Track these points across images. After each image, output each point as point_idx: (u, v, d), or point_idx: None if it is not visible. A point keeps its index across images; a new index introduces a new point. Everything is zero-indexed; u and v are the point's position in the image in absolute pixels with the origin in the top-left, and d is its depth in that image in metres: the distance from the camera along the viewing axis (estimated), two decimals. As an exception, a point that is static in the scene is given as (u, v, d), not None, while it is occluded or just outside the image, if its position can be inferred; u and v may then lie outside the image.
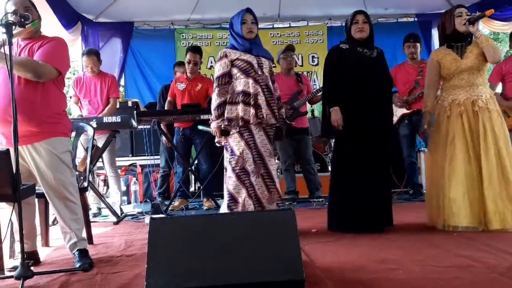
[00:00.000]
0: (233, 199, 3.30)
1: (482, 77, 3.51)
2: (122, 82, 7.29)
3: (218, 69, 3.41)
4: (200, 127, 4.76)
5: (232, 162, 3.32)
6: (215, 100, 3.39)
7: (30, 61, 2.70)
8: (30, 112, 2.71)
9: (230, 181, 3.33)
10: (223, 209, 3.43)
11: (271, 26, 7.66)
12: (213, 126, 3.39)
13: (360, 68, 3.51)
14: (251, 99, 3.30)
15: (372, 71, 3.53)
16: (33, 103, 2.72)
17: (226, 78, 3.39)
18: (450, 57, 3.52)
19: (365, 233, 3.37)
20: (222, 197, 3.92)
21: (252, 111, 3.28)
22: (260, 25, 7.07)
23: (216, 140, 3.46)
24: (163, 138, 5.25)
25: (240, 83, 3.34)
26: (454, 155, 3.41)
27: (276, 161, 5.95)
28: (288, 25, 7.68)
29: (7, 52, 2.38)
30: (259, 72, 3.36)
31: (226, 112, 3.32)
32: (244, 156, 3.29)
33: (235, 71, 3.38)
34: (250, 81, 3.33)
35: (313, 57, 7.62)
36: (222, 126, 3.33)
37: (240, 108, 3.30)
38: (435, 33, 7.23)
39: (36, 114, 2.73)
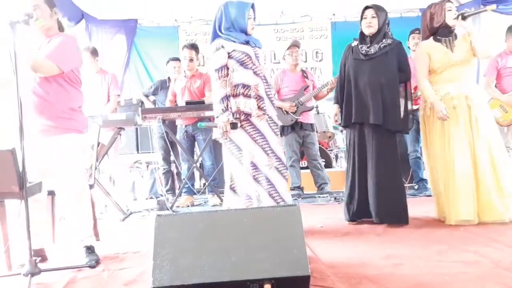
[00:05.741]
0: (247, 194, 3.23)
1: (471, 70, 3.58)
2: (126, 79, 7.31)
3: (216, 61, 3.25)
4: (201, 125, 4.79)
5: (241, 158, 3.23)
6: (217, 94, 3.24)
7: (29, 55, 2.72)
8: (42, 107, 2.79)
9: (241, 176, 3.24)
10: (241, 204, 3.25)
11: (275, 22, 7.64)
12: (221, 120, 3.21)
13: (354, 66, 3.59)
14: (251, 91, 3.21)
15: (366, 68, 3.55)
16: (45, 99, 2.79)
17: (225, 70, 3.24)
18: (440, 50, 3.53)
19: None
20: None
21: (253, 103, 3.21)
22: (264, 21, 7.20)
23: (214, 136, 3.39)
24: (155, 135, 5.36)
25: (238, 75, 3.22)
26: (451, 149, 3.44)
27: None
28: (291, 21, 7.66)
29: (13, 50, 2.40)
30: (257, 63, 3.27)
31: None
32: (251, 150, 3.22)
33: (232, 63, 3.23)
34: (250, 72, 3.23)
35: (317, 52, 7.60)
36: (231, 119, 3.21)
37: (240, 101, 3.21)
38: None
39: (47, 109, 2.80)
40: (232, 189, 3.31)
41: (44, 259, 2.98)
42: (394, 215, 3.50)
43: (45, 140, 2.81)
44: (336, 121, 3.79)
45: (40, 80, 2.79)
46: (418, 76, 3.67)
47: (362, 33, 3.64)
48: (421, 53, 3.64)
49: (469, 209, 3.35)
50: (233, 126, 3.22)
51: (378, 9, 3.57)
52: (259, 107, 3.24)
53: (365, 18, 3.59)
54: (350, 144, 3.70)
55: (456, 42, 3.51)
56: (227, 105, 3.21)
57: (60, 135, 2.82)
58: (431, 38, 3.60)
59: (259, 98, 3.24)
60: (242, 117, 3.22)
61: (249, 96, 3.21)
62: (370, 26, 3.55)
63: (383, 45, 3.56)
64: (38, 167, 2.86)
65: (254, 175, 3.21)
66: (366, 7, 3.59)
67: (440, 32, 3.54)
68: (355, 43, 3.68)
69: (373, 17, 3.55)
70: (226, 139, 3.27)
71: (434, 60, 3.55)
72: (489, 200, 3.35)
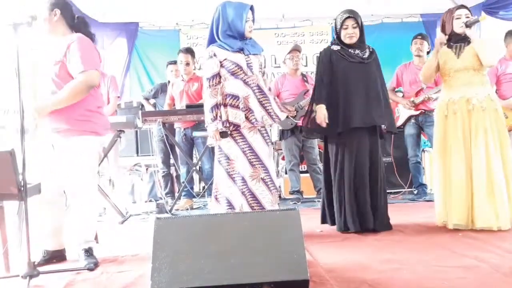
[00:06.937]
0: (230, 205, 3.19)
1: (480, 76, 3.50)
2: (127, 82, 7.32)
3: (208, 69, 3.21)
4: (196, 134, 4.82)
5: (228, 167, 3.20)
6: (208, 103, 3.21)
7: (72, 95, 2.76)
8: (61, 109, 2.78)
9: (226, 186, 3.21)
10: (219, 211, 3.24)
11: (276, 26, 7.66)
12: (211, 130, 3.20)
13: (352, 69, 3.51)
14: (240, 103, 3.15)
15: (364, 71, 3.53)
16: None
17: (217, 79, 3.19)
18: (447, 56, 3.55)
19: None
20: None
21: (242, 114, 3.15)
22: (265, 25, 7.22)
23: (208, 142, 3.34)
24: (155, 138, 5.37)
25: (228, 85, 3.18)
26: (449, 154, 3.46)
27: (281, 161, 5.98)
28: (292, 25, 7.68)
29: (15, 52, 2.42)
30: (249, 73, 3.20)
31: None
32: (239, 161, 3.17)
33: (223, 72, 3.19)
34: (239, 83, 3.18)
35: (317, 57, 7.60)
36: (220, 128, 3.15)
37: (228, 111, 3.16)
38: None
39: (66, 112, 2.79)
40: (215, 197, 3.28)
41: (63, 259, 2.99)
42: (385, 221, 3.53)
43: (62, 141, 2.82)
44: (322, 122, 3.49)
45: (60, 83, 2.80)
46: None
47: (341, 40, 3.56)
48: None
49: (460, 214, 3.36)
50: (223, 135, 3.19)
51: (357, 16, 3.53)
52: (247, 119, 3.17)
53: (345, 28, 3.51)
54: (336, 153, 3.53)
55: (466, 48, 3.50)
56: (217, 114, 3.16)
57: (75, 137, 2.82)
58: (445, 45, 3.62)
59: (248, 110, 3.18)
60: (232, 128, 3.18)
61: (238, 107, 3.16)
62: (352, 36, 3.51)
63: (370, 50, 3.60)
64: (52, 169, 2.86)
65: (240, 186, 3.17)
66: (347, 17, 3.51)
67: (453, 38, 3.57)
68: (336, 47, 3.58)
69: (354, 27, 3.51)
70: (217, 146, 3.27)
71: (442, 67, 3.58)
72: (479, 207, 3.32)
